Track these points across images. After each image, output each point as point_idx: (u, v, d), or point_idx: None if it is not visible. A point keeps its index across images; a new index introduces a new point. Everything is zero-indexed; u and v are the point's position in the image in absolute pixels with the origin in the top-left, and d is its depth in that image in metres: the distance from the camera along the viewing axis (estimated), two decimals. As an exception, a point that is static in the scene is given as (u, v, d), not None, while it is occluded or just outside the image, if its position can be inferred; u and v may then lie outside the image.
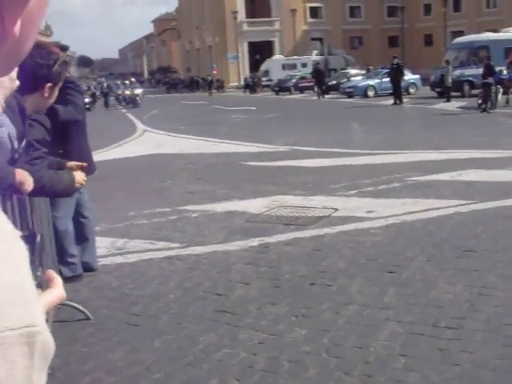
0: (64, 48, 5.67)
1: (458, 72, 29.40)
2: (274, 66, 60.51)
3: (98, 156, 12.83)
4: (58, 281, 0.99)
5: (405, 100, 29.76)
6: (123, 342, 4.37)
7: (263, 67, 62.34)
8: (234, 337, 4.33)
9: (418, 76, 37.16)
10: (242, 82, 61.57)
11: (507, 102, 23.49)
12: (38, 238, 0.97)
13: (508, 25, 40.23)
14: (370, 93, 36.16)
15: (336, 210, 8.00)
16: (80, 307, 4.87)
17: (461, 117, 21.68)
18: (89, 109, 36.73)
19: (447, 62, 29.13)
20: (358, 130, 19.61)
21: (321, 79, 40.57)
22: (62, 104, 5.15)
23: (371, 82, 36.97)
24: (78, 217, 5.78)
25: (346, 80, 41.85)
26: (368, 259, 5.92)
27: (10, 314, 0.57)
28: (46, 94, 3.26)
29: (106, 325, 4.73)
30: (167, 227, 7.66)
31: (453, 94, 28.37)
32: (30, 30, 0.66)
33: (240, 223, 7.70)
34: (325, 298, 4.96)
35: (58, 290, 0.98)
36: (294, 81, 49.24)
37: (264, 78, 57.75)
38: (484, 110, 22.04)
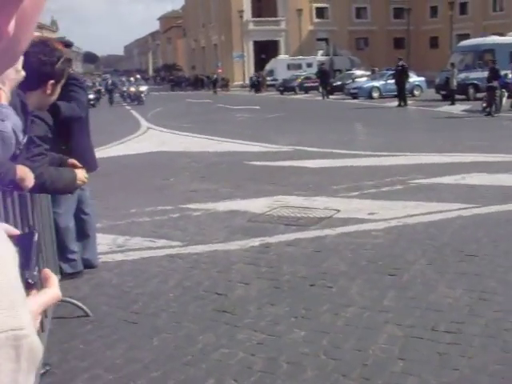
0: (68, 44, 5.68)
1: (463, 75, 29.38)
2: (279, 66, 60.48)
3: (101, 153, 12.85)
4: (54, 280, 0.99)
5: (409, 102, 29.73)
6: (122, 340, 4.37)
7: (268, 67, 62.31)
8: (232, 337, 4.33)
9: (423, 78, 37.15)
10: (248, 81, 61.59)
11: (512, 105, 23.47)
12: (36, 237, 0.96)
13: (514, 28, 40.21)
14: (375, 94, 36.14)
15: (338, 211, 7.99)
16: (79, 304, 4.87)
17: (465, 120, 21.66)
18: (93, 105, 36.81)
19: (452, 64, 29.12)
20: (361, 132, 19.60)
21: (326, 80, 40.57)
22: (66, 101, 5.15)
23: (376, 84, 36.95)
24: (80, 213, 5.78)
25: (350, 81, 41.85)
26: (369, 261, 5.91)
27: None
28: (49, 91, 3.26)
29: (105, 322, 4.73)
30: (168, 225, 7.66)
31: (457, 97, 28.35)
32: (25, 29, 0.66)
33: (241, 223, 7.69)
34: (324, 300, 4.96)
35: (53, 290, 0.98)
36: (298, 81, 49.24)
37: (269, 78, 57.72)
38: (488, 114, 22.01)
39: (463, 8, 65.72)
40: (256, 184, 10.23)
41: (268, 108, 31.77)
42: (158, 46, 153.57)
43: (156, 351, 4.16)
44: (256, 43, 73.18)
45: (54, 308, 4.48)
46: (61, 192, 4.25)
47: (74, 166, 3.82)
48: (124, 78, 60.92)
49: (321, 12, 74.67)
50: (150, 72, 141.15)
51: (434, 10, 71.69)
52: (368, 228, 7.15)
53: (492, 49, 30.79)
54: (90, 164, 5.45)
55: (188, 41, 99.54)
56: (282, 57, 65.25)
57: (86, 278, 5.73)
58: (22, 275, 0.92)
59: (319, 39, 71.84)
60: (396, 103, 29.30)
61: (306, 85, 48.28)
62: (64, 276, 5.36)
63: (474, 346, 4.02)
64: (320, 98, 39.65)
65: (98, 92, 44.33)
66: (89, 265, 5.88)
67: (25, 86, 2.65)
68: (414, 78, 34.93)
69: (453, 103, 27.50)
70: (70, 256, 5.61)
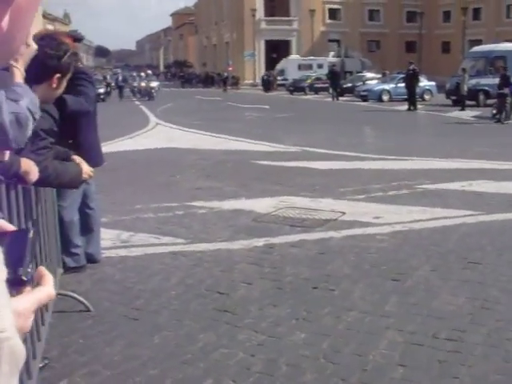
0: (78, 39, 5.67)
1: (473, 81, 29.29)
2: (290, 66, 60.47)
3: (109, 147, 12.87)
4: (48, 278, 0.98)
5: (419, 106, 29.67)
6: (122, 336, 4.37)
7: (279, 66, 62.31)
8: (232, 337, 4.31)
9: (433, 83, 37.07)
10: (258, 80, 61.58)
11: (522, 113, 23.37)
12: (31, 234, 0.95)
13: (527, 36, 40.06)
14: (385, 97, 36.08)
15: (343, 213, 7.97)
16: (81, 298, 4.87)
17: (474, 126, 21.59)
18: (103, 99, 36.86)
19: (464, 70, 29.03)
20: (370, 134, 19.56)
21: (336, 81, 40.57)
22: (74, 95, 5.15)
23: (386, 87, 36.88)
24: (84, 208, 5.79)
25: (361, 83, 41.82)
26: (372, 265, 5.89)
27: None
28: (55, 85, 3.25)
29: (106, 318, 4.72)
30: (173, 222, 7.66)
31: (468, 102, 28.27)
32: (20, 25, 0.65)
33: (246, 222, 7.68)
34: (326, 303, 4.94)
35: (47, 288, 0.97)
36: (309, 81, 49.21)
37: (279, 77, 57.70)
38: (498, 121, 21.94)
39: (476, 14, 65.54)
40: (262, 184, 10.22)
41: (277, 108, 31.75)
42: (170, 42, 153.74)
43: (155, 349, 4.15)
44: (267, 42, 73.21)
45: (54, 302, 4.48)
46: (66, 186, 4.25)
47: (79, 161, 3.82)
48: (135, 73, 61.00)
49: (333, 13, 74.61)
50: (161, 68, 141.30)
51: (446, 15, 71.51)
52: (373, 232, 7.13)
53: (504, 55, 30.65)
54: (96, 159, 5.46)
55: (200, 38, 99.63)
56: (293, 57, 65.24)
57: (89, 272, 5.74)
58: (16, 272, 0.92)
59: (331, 40, 71.83)
60: (406, 107, 29.24)
61: (317, 85, 48.30)
62: (67, 270, 5.36)
63: (474, 355, 3.99)
64: (330, 99, 39.63)
65: (109, 86, 44.40)
66: (92, 259, 5.89)
67: (31, 79, 2.64)
68: (424, 83, 34.88)
69: (463, 109, 27.42)
70: (74, 250, 5.61)
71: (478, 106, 29.04)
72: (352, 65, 58.14)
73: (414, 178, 10.43)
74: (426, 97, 35.24)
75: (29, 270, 0.92)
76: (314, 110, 31.47)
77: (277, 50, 71.34)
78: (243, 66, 70.94)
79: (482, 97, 29.76)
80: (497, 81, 24.17)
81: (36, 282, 0.97)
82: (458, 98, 28.77)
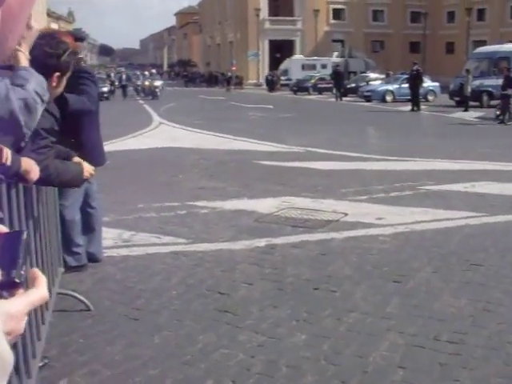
0: (80, 38, 5.66)
1: (477, 82, 29.24)
2: (294, 66, 60.47)
3: (111, 146, 12.89)
4: (41, 280, 0.97)
5: (423, 107, 29.63)
6: (122, 336, 4.36)
7: (283, 66, 62.31)
8: (233, 338, 4.30)
9: (437, 83, 37.04)
10: (262, 80, 61.58)
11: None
12: (24, 236, 0.95)
13: (532, 37, 39.98)
14: (389, 98, 36.03)
15: (345, 214, 7.96)
16: (81, 297, 4.87)
17: (478, 127, 21.56)
18: (107, 98, 36.89)
19: (467, 71, 28.98)
20: (373, 135, 19.53)
21: (340, 81, 40.55)
22: (76, 94, 5.15)
23: (390, 87, 36.85)
24: (86, 207, 5.78)
25: (364, 83, 41.81)
26: (374, 267, 5.88)
27: None
28: (54, 84, 3.25)
29: (107, 317, 4.72)
30: (175, 222, 7.65)
31: (471, 103, 28.21)
32: (12, 27, 0.64)
33: (248, 222, 7.67)
34: (327, 304, 4.93)
35: (41, 290, 0.96)
36: (312, 81, 49.19)
37: (283, 77, 57.68)
38: (502, 122, 21.90)
39: (481, 14, 65.43)
40: (264, 184, 10.21)
41: (281, 108, 31.74)
42: (174, 42, 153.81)
43: (156, 349, 4.15)
44: (271, 42, 73.21)
45: (55, 301, 4.48)
46: (67, 185, 4.24)
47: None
48: (138, 72, 61.02)
49: (337, 13, 74.57)
50: (165, 67, 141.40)
51: (451, 16, 71.41)
52: (375, 233, 7.11)
53: (508, 56, 30.60)
54: (98, 158, 5.46)
55: (204, 37, 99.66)
56: (297, 57, 65.22)
57: (90, 271, 5.73)
58: (9, 274, 0.91)
59: (335, 40, 71.74)
60: (409, 108, 29.20)
61: (320, 86, 48.28)
62: (68, 269, 5.36)
63: (475, 358, 3.97)
64: (333, 99, 39.62)
65: (113, 84, 44.43)
66: (93, 259, 5.88)
67: None
68: (428, 83, 34.84)
69: (466, 110, 27.37)
70: (75, 249, 5.61)
71: (481, 106, 29.00)
72: (356, 65, 58.10)
73: (417, 179, 10.41)
74: (430, 97, 35.18)
75: (22, 272, 0.92)
76: (318, 110, 31.45)
77: (280, 50, 71.34)
78: (247, 66, 70.94)
79: (485, 98, 29.71)
80: (500, 82, 24.11)
81: (29, 285, 0.96)
82: (462, 99, 28.71)
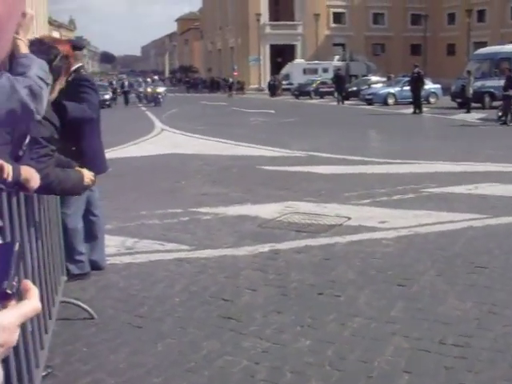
0: (79, 47, 5.65)
1: (479, 83, 29.20)
2: (295, 70, 60.53)
3: (113, 153, 12.90)
4: (34, 292, 0.96)
5: (424, 109, 29.60)
6: (126, 344, 4.34)
7: (284, 71, 62.38)
8: (237, 344, 4.28)
9: (438, 85, 37.04)
10: (263, 85, 61.62)
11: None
12: (16, 247, 0.94)
13: (532, 37, 39.96)
14: (390, 101, 36.03)
15: (348, 218, 7.94)
16: (84, 306, 4.85)
17: (480, 129, 21.53)
18: (109, 105, 36.96)
19: (469, 72, 28.94)
20: (375, 138, 19.53)
21: (341, 85, 40.53)
22: (77, 102, 5.15)
23: (392, 90, 36.85)
24: (88, 215, 5.78)
25: (366, 87, 41.79)
26: (378, 271, 5.85)
27: None
28: None
29: (110, 325, 4.70)
30: (178, 229, 7.64)
31: (473, 105, 28.19)
32: (1, 35, 0.63)
33: (251, 228, 7.65)
34: (332, 309, 4.90)
35: (32, 302, 0.95)
36: (314, 85, 49.22)
37: (284, 82, 57.70)
38: (504, 123, 21.86)
39: (481, 15, 65.44)
40: (267, 189, 10.19)
41: (283, 112, 31.75)
42: (175, 48, 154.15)
43: (160, 356, 4.13)
44: (272, 47, 73.28)
45: (58, 309, 4.47)
46: (68, 192, 4.23)
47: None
48: (140, 79, 61.16)
49: (338, 17, 74.62)
50: (167, 73, 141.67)
51: (451, 17, 71.43)
52: (378, 236, 7.09)
53: (509, 57, 30.56)
54: (100, 165, 5.46)
55: (205, 43, 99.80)
56: (298, 61, 65.29)
57: (93, 279, 5.72)
58: (1, 285, 0.90)
59: (336, 44, 71.79)
60: (411, 110, 29.18)
61: (322, 90, 48.34)
62: (71, 277, 5.35)
63: (481, 361, 3.95)
64: (335, 103, 39.62)
65: (114, 92, 44.51)
66: (96, 267, 5.87)
67: None
68: (429, 85, 34.83)
69: (468, 111, 27.35)
70: (78, 257, 5.60)
71: (483, 108, 28.95)
72: (357, 68, 58.12)
73: (420, 182, 10.38)
74: (432, 100, 35.18)
75: (14, 283, 0.91)
76: (320, 114, 31.44)
77: (282, 55, 71.41)
78: (248, 71, 70.99)
79: (487, 99, 29.68)
80: (502, 83, 24.07)
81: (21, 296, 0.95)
82: (464, 101, 28.69)
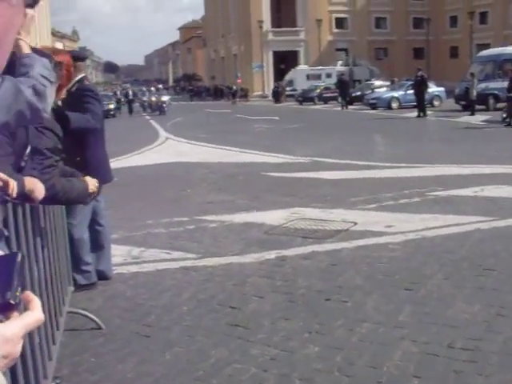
0: (82, 58, 5.65)
1: (482, 85, 29.12)
2: (299, 76, 60.56)
3: (118, 163, 12.92)
4: (36, 303, 0.96)
5: (429, 113, 29.55)
6: (134, 353, 4.34)
7: (288, 77, 62.43)
8: (245, 352, 4.27)
9: (442, 88, 36.95)
10: (267, 91, 61.67)
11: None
12: (19, 258, 0.93)
13: (535, 39, 39.90)
14: (394, 105, 35.97)
15: (355, 223, 7.92)
16: (92, 316, 4.85)
17: (484, 131, 21.47)
18: (113, 115, 37.07)
19: (472, 74, 28.89)
20: (380, 143, 19.50)
21: (345, 90, 40.53)
22: (81, 112, 5.17)
23: (395, 94, 36.79)
24: (94, 225, 5.78)
25: (370, 91, 41.77)
26: (385, 275, 5.83)
27: None
28: None
29: (118, 335, 4.70)
30: (184, 237, 7.64)
31: (477, 107, 28.12)
32: None
33: (257, 235, 7.65)
34: (339, 315, 4.89)
35: (35, 313, 0.95)
36: (318, 91, 49.25)
37: (288, 88, 57.77)
38: (508, 124, 21.79)
39: (483, 18, 65.39)
40: (273, 195, 10.19)
41: (287, 118, 31.76)
42: (178, 56, 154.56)
43: (168, 365, 4.12)
44: (275, 53, 73.38)
45: (66, 320, 4.46)
46: (74, 202, 4.24)
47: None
48: (144, 88, 61.31)
49: (340, 22, 74.68)
50: (170, 82, 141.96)
51: (453, 20, 71.40)
52: (385, 241, 7.07)
53: (512, 59, 30.50)
54: (105, 175, 5.46)
55: (208, 51, 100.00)
56: (302, 67, 65.34)
57: (100, 289, 5.72)
58: (4, 296, 0.90)
59: (338, 49, 71.87)
60: (415, 114, 29.15)
61: (325, 95, 48.34)
62: (78, 287, 5.35)
63: (491, 364, 3.92)
64: (339, 108, 39.62)
65: (118, 101, 44.65)
66: (103, 276, 5.87)
67: None
68: (433, 89, 34.78)
69: (473, 113, 27.28)
70: (84, 267, 5.60)
71: (487, 110, 28.87)
72: (360, 73, 58.17)
73: (426, 186, 10.35)
74: (436, 103, 35.10)
75: (17, 293, 0.91)
76: (324, 119, 31.43)
77: (285, 61, 71.48)
78: (252, 78, 71.09)
79: (491, 101, 29.58)
80: (506, 84, 24.00)
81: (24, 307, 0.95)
82: (468, 103, 28.62)
